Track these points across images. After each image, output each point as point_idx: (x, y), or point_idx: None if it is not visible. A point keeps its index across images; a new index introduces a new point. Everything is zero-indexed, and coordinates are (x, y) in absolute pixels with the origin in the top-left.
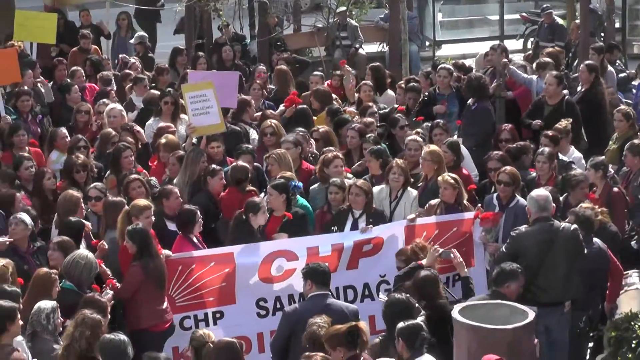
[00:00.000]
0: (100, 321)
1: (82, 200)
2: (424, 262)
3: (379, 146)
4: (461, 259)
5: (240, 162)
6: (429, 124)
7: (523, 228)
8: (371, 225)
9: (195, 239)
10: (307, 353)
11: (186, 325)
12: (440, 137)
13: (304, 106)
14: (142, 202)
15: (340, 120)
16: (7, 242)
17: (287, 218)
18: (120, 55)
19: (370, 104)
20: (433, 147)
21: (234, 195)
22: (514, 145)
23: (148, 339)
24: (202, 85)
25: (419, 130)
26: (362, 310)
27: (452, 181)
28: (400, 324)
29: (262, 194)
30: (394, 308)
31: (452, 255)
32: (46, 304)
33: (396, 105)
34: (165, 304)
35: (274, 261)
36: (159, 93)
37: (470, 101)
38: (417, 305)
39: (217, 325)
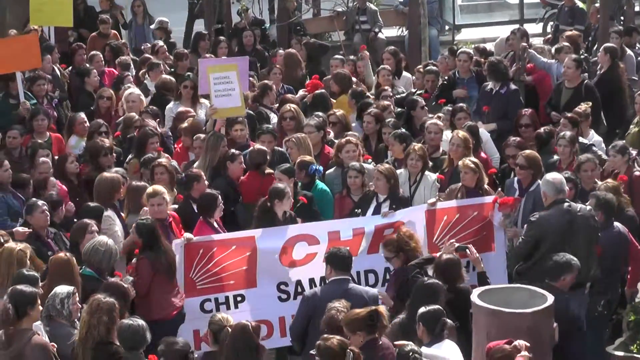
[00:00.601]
0: (115, 304)
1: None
2: (438, 255)
3: (402, 130)
4: (477, 255)
5: (259, 146)
6: (450, 107)
7: (541, 213)
8: (392, 210)
9: (215, 224)
10: (324, 335)
11: (207, 308)
12: (463, 122)
13: (322, 90)
14: (152, 188)
15: (365, 104)
16: (27, 232)
17: (302, 202)
18: (143, 46)
19: (387, 87)
20: (462, 133)
21: (254, 178)
22: (543, 130)
23: (159, 329)
24: (226, 67)
25: (440, 114)
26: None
27: (472, 165)
28: (422, 309)
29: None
30: (421, 291)
31: (468, 250)
32: (62, 289)
33: (414, 90)
34: (175, 290)
35: (295, 245)
36: (170, 78)
37: (492, 85)
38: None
39: (239, 308)
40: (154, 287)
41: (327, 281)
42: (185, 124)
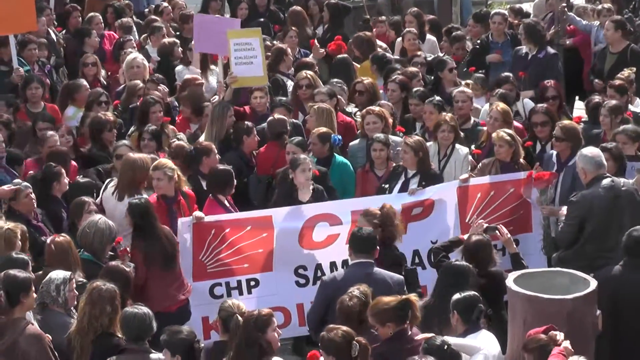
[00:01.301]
0: (116, 291)
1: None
2: (465, 237)
3: (438, 98)
4: (509, 235)
5: (278, 115)
6: (481, 74)
7: (583, 192)
8: (420, 188)
9: (226, 202)
10: (329, 326)
11: (217, 293)
12: (511, 94)
13: (345, 55)
14: (153, 160)
15: (390, 70)
16: (13, 189)
17: (313, 175)
18: (146, 10)
19: (419, 52)
20: (502, 105)
21: (272, 150)
22: (591, 99)
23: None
24: (249, 33)
25: (469, 81)
26: None
27: (507, 138)
28: (456, 296)
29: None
30: (449, 274)
31: (498, 231)
32: (57, 275)
33: (441, 54)
34: (176, 282)
35: (315, 226)
36: (171, 41)
37: (528, 49)
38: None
39: (252, 293)
40: (149, 279)
41: (338, 265)
42: (185, 92)
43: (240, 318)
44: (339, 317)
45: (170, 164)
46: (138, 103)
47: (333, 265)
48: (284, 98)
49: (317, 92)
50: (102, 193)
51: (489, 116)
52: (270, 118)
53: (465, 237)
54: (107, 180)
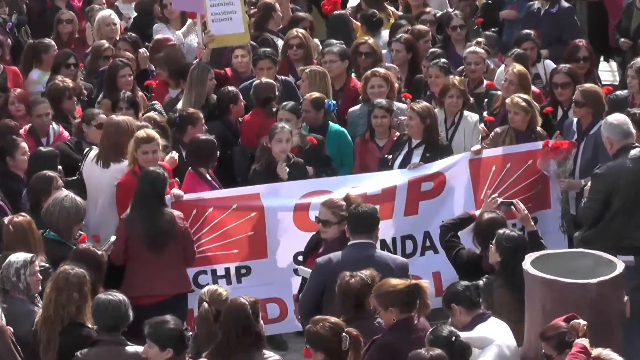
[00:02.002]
0: (86, 276)
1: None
2: (476, 213)
3: (444, 60)
4: (526, 211)
5: (265, 79)
6: (493, 32)
7: (609, 163)
8: (421, 163)
9: (208, 176)
10: (315, 317)
11: (202, 283)
12: (532, 54)
13: (342, 11)
14: (144, 132)
15: (396, 26)
16: None
17: (310, 144)
18: None
19: (428, 9)
20: (519, 67)
21: (259, 117)
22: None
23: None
24: None
25: (479, 39)
26: (423, 265)
27: (523, 104)
28: (452, 289)
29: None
30: (509, 245)
31: (514, 207)
32: (17, 257)
33: (450, 9)
34: (162, 272)
35: (311, 204)
36: None
37: (540, 3)
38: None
39: (242, 283)
40: (129, 261)
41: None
42: (161, 53)
43: (208, 306)
44: (336, 296)
45: (157, 135)
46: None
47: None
48: (268, 50)
49: (327, 51)
50: (83, 162)
51: (504, 79)
52: (256, 81)
53: (477, 213)
54: (86, 150)
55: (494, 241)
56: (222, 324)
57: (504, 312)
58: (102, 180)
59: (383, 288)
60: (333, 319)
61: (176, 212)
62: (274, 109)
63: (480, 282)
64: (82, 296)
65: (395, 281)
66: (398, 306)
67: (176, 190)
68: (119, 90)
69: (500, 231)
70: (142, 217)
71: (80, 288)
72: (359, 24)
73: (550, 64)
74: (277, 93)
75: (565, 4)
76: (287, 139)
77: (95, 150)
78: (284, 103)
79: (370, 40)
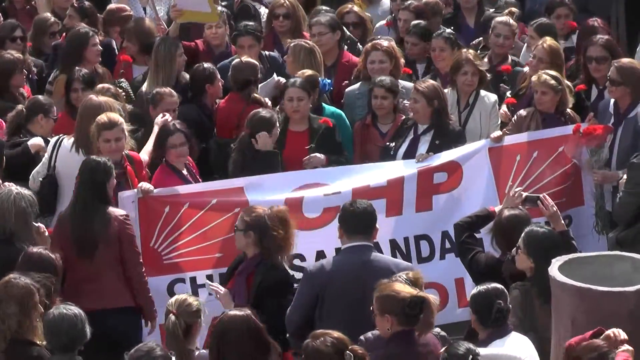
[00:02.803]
0: (31, 288)
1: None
2: (496, 209)
3: (449, 30)
4: (555, 208)
5: (246, 58)
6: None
7: None
8: (430, 154)
9: (185, 170)
10: (316, 332)
11: (179, 292)
12: (565, 21)
13: None
14: (106, 117)
15: None
16: None
17: (326, 126)
18: None
19: None
20: (550, 41)
21: (236, 104)
22: None
23: None
24: None
25: (513, 9)
26: (444, 271)
27: (552, 82)
28: (474, 291)
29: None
30: (540, 243)
31: (541, 202)
32: None
33: None
34: (93, 284)
35: (304, 198)
36: None
37: None
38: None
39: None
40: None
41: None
42: (131, 24)
43: (175, 319)
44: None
45: (121, 119)
46: (61, 39)
47: (339, 252)
48: (250, 23)
49: (315, 22)
50: (55, 155)
51: (532, 55)
52: (236, 61)
53: (497, 209)
54: (55, 138)
55: (521, 243)
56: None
57: (546, 327)
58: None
59: (386, 290)
60: (336, 334)
61: (119, 212)
62: (252, 95)
63: (515, 292)
64: (24, 310)
65: (401, 286)
66: (396, 315)
67: (145, 184)
68: (87, 63)
69: (528, 229)
70: (73, 215)
71: (21, 300)
72: None
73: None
74: (259, 75)
75: None
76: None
77: (67, 139)
78: (291, 79)
79: (356, 8)
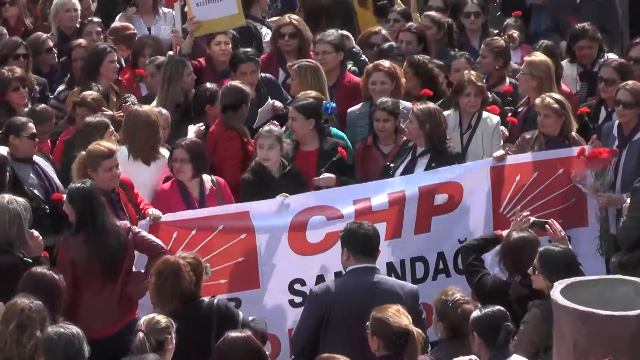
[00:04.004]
0: (45, 310)
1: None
2: (504, 233)
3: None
4: (563, 233)
5: (235, 82)
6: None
7: None
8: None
9: (196, 192)
10: (323, 355)
11: None
12: (588, 53)
13: None
14: (104, 146)
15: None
16: None
17: (340, 156)
18: None
19: None
20: (539, 55)
21: (218, 129)
22: None
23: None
24: None
25: (514, 34)
26: (434, 291)
27: (556, 105)
28: (476, 313)
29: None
30: (555, 260)
31: (549, 227)
32: None
33: None
34: (117, 299)
35: (308, 222)
36: None
37: None
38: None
39: None
40: (78, 290)
41: (344, 271)
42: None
43: (143, 336)
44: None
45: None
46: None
47: (339, 276)
48: (249, 50)
49: (319, 40)
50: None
51: (521, 71)
52: (224, 85)
53: (504, 233)
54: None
55: (537, 263)
56: None
57: None
58: (147, 180)
59: (380, 313)
60: (342, 359)
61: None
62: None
63: (536, 310)
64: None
65: (394, 312)
66: (383, 340)
67: (154, 211)
68: (103, 79)
69: (543, 249)
70: (91, 238)
71: (42, 324)
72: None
73: (614, 58)
74: (246, 102)
75: None
76: (271, 145)
77: (122, 149)
78: (296, 100)
79: (384, 31)
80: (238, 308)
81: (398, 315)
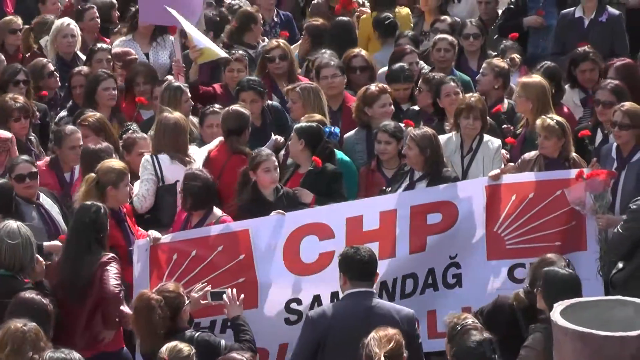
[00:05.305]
0: (40, 331)
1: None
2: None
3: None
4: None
5: (235, 107)
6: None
7: None
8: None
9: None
10: None
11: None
12: (592, 75)
13: (346, 19)
14: (116, 162)
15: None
16: None
17: (314, 165)
18: None
19: (444, 17)
20: (533, 77)
21: (221, 154)
22: None
23: None
24: None
25: (516, 57)
26: (420, 304)
27: (556, 127)
28: (460, 345)
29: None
30: (557, 285)
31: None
32: None
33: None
34: (83, 327)
35: (301, 241)
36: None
37: (580, 11)
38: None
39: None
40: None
41: (341, 295)
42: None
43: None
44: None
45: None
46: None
47: (335, 297)
48: (253, 78)
49: (325, 64)
50: (159, 169)
51: (516, 92)
52: (225, 110)
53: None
54: (149, 157)
55: (540, 281)
56: None
57: None
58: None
59: (369, 337)
60: None
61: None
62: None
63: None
64: (39, 354)
65: (377, 342)
66: None
67: (154, 232)
68: (101, 107)
69: (549, 269)
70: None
71: (36, 345)
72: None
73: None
74: (248, 126)
75: (614, 11)
76: (276, 166)
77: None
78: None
79: (363, 52)
80: None
81: (379, 344)
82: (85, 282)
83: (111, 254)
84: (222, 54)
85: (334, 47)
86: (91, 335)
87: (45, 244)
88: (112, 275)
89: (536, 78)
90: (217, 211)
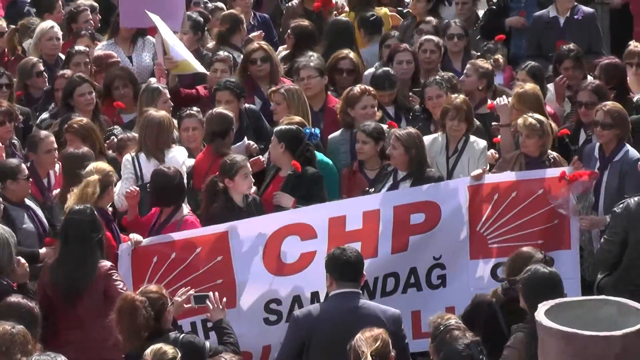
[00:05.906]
0: (28, 334)
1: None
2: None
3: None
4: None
5: (220, 109)
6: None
7: (635, 198)
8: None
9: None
10: None
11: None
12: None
13: (345, 19)
14: (105, 165)
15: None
16: None
17: (294, 170)
18: None
19: (429, 18)
20: (526, 85)
21: (207, 157)
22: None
23: None
24: None
25: (499, 57)
26: (403, 304)
27: (537, 125)
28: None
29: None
30: (537, 283)
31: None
32: None
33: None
34: (77, 332)
35: (283, 242)
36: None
37: (554, 11)
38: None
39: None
40: (52, 310)
41: (322, 295)
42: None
43: None
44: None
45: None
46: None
47: (315, 297)
48: (231, 80)
49: (304, 65)
50: (139, 169)
51: (510, 99)
52: (209, 113)
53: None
54: (129, 157)
55: (521, 281)
56: None
57: None
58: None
59: (356, 338)
60: None
61: (105, 264)
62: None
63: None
64: (27, 357)
65: (364, 342)
66: None
67: (135, 235)
68: (80, 112)
69: (531, 267)
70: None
71: (25, 348)
72: None
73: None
74: (232, 127)
75: (587, 9)
76: (250, 171)
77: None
78: (278, 127)
79: (352, 55)
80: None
81: (366, 343)
82: (87, 283)
83: (110, 263)
84: (200, 69)
85: (335, 47)
86: (97, 340)
87: (40, 251)
88: (120, 288)
89: (529, 87)
90: (185, 209)
